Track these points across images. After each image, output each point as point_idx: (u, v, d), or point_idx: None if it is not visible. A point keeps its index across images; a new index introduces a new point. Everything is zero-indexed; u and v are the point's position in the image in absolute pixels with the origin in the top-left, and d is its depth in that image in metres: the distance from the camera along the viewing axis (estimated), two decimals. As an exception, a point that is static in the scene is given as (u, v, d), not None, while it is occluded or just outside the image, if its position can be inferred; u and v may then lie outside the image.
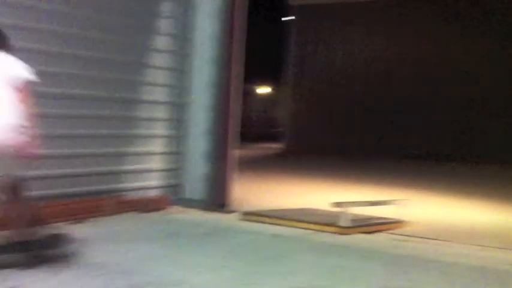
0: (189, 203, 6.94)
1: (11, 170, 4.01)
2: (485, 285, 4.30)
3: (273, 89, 40.33)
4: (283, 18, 23.26)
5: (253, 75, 36.82)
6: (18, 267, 3.98)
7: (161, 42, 6.95)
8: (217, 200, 6.89)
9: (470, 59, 18.62)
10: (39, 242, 4.18)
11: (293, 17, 22.36)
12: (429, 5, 19.40)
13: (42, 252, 4.16)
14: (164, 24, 6.97)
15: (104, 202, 6.05)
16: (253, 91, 42.67)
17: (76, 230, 5.32)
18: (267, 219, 6.23)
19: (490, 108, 18.32)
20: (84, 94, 6.06)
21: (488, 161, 16.62)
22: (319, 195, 8.65)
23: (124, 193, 6.41)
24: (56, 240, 4.36)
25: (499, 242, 5.80)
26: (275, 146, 22.78)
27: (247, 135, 28.76)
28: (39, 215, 4.45)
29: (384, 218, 6.52)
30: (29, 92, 4.07)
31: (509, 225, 7.07)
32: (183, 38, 7.08)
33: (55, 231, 4.45)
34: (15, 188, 4.09)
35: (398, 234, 6.03)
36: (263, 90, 43.22)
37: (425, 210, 7.83)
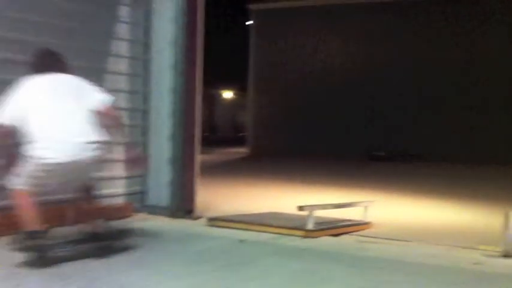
0: (154, 210, 6.86)
1: (89, 176, 4.80)
2: (452, 285, 4.31)
3: (238, 94, 40.42)
4: (247, 23, 23.29)
5: (219, 80, 36.93)
6: (91, 257, 4.58)
7: (121, 47, 6.86)
8: (182, 206, 6.82)
9: (446, 59, 18.85)
10: (106, 235, 4.86)
11: (250, 22, 22.48)
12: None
13: (110, 244, 4.82)
14: (124, 30, 6.88)
15: (66, 211, 5.91)
16: (220, 96, 42.72)
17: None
18: (233, 225, 6.18)
19: (466, 107, 18.49)
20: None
21: (464, 161, 16.85)
22: (286, 198, 8.63)
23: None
24: (119, 233, 5.20)
25: (466, 241, 5.84)
26: (241, 150, 22.77)
27: (213, 140, 28.76)
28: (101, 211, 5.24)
29: (350, 220, 6.53)
30: (113, 110, 4.81)
31: (477, 224, 7.13)
32: (143, 43, 7.00)
33: (117, 226, 5.36)
34: (88, 187, 4.84)
35: (365, 236, 6.04)
36: (229, 94, 43.29)
37: (393, 211, 7.87)
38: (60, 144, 4.43)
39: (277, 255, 5.05)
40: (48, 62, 4.84)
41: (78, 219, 5.34)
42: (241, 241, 5.51)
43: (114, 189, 6.77)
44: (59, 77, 4.74)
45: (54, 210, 5.83)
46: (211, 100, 40.49)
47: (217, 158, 18.82)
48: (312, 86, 20.72)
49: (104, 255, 4.62)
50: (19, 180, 4.48)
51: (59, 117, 4.52)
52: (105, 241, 4.80)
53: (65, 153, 4.42)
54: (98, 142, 4.59)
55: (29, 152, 4.43)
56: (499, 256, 5.19)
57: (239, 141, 26.46)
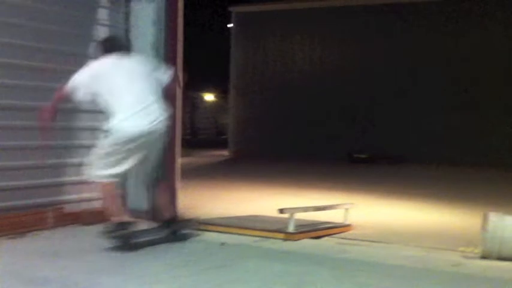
0: (135, 214, 6.81)
1: (160, 151, 5.34)
2: (431, 287, 4.33)
3: (220, 96, 40.39)
4: (228, 25, 23.29)
5: (201, 83, 36.79)
6: (167, 242, 5.30)
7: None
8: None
9: (427, 60, 18.92)
10: (178, 223, 5.51)
11: (231, 24, 22.47)
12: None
13: (180, 230, 5.46)
14: (104, 32, 6.84)
15: (45, 215, 5.89)
16: (201, 98, 42.63)
17: (17, 244, 5.19)
18: (214, 228, 6.17)
19: (448, 108, 18.55)
20: (20, 104, 5.88)
21: (447, 163, 16.94)
22: (267, 201, 8.64)
23: (66, 205, 6.26)
24: (186, 221, 5.69)
25: (446, 243, 5.89)
26: (222, 153, 22.74)
27: (195, 143, 28.65)
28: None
29: (331, 223, 6.55)
30: (175, 85, 5.79)
31: (457, 226, 7.17)
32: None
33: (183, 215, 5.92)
34: (159, 178, 5.57)
35: (346, 238, 6.06)
36: (210, 97, 43.25)
37: (374, 213, 7.90)
38: (137, 115, 5.01)
39: (258, 258, 5.05)
40: (113, 44, 5.51)
41: (57, 222, 5.70)
42: (222, 244, 5.50)
43: (94, 192, 6.72)
44: (127, 56, 5.45)
45: (33, 214, 5.84)
46: (192, 103, 40.39)
47: (199, 160, 18.77)
48: (293, 89, 20.74)
49: (178, 240, 5.36)
50: (101, 171, 5.09)
51: (134, 91, 5.10)
52: (180, 228, 5.48)
53: (142, 124, 5.01)
54: (166, 114, 5.22)
55: (109, 126, 5.04)
56: (477, 258, 5.23)
57: (221, 144, 26.39)
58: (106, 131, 5.06)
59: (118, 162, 5.07)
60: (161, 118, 5.15)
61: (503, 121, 18.06)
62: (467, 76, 18.47)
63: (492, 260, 5.11)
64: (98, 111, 6.75)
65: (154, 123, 5.08)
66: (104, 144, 5.10)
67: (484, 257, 5.18)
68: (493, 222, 5.16)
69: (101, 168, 5.09)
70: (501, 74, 18.19)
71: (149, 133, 5.05)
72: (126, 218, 5.15)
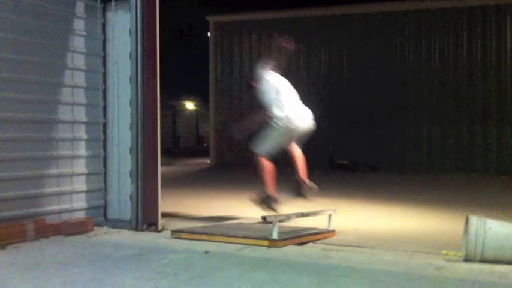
0: (117, 224, 6.78)
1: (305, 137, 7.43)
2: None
3: (201, 105, 40.40)
4: (208, 34, 23.29)
5: (182, 91, 36.76)
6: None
7: (79, 60, 6.80)
8: (146, 219, 6.75)
9: (411, 69, 19.04)
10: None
11: (209, 33, 22.50)
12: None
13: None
14: (81, 43, 6.82)
15: (26, 227, 5.82)
16: (183, 107, 42.60)
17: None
18: (197, 236, 6.14)
19: (431, 118, 18.64)
20: None
21: (428, 171, 17.03)
22: (250, 208, 8.60)
23: (47, 216, 6.20)
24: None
25: (429, 246, 5.90)
26: (204, 161, 22.70)
27: (176, 151, 28.59)
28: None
29: (315, 229, 6.54)
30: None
31: (437, 230, 7.20)
32: (101, 56, 6.95)
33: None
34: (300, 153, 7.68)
35: (330, 244, 6.05)
36: (192, 105, 43.24)
37: (356, 218, 7.90)
38: (298, 116, 7.20)
39: (242, 266, 5.02)
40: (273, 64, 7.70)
41: (38, 234, 5.66)
42: (205, 253, 5.47)
43: (75, 203, 6.70)
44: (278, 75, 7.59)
45: (13, 226, 5.79)
46: (174, 111, 40.32)
47: (181, 169, 18.71)
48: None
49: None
50: (266, 147, 7.11)
51: (293, 99, 7.39)
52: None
53: (300, 122, 7.20)
54: (312, 116, 7.34)
55: (277, 119, 7.04)
56: (460, 261, 5.25)
57: (202, 152, 26.35)
58: (275, 122, 7.04)
59: (275, 144, 7.08)
60: (309, 119, 7.33)
61: (481, 130, 18.19)
62: (449, 90, 18.62)
63: (475, 263, 5.13)
64: (78, 122, 6.78)
65: (305, 122, 7.28)
66: (272, 131, 7.05)
67: (466, 259, 5.20)
68: (475, 225, 5.18)
69: (265, 146, 7.06)
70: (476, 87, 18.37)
71: (302, 127, 7.26)
72: (273, 193, 7.18)
